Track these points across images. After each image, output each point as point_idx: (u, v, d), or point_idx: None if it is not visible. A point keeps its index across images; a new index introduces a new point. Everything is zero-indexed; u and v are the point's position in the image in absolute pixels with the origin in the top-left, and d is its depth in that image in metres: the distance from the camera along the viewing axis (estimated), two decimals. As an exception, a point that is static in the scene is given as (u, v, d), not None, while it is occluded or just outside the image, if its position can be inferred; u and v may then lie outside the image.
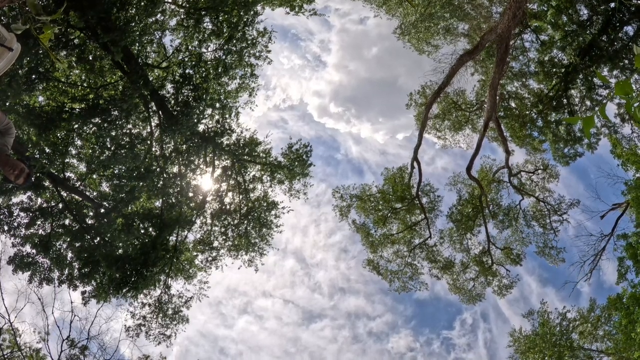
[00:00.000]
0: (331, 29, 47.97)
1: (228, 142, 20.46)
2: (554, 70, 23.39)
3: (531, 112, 24.83)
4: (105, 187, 20.98)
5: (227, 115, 19.97)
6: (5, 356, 22.97)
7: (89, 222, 20.66)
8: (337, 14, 38.44)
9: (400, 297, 27.92)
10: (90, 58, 17.23)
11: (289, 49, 47.66)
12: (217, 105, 19.24)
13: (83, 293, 20.22)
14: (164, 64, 18.90)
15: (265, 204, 21.98)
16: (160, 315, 21.22)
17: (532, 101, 24.77)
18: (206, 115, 19.29)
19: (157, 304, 21.13)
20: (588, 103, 23.32)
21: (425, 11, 23.75)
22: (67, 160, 19.40)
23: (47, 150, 17.99)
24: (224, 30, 18.00)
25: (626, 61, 21.12)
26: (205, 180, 21.57)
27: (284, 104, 47.41)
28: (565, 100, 23.45)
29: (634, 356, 17.34)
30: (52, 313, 23.85)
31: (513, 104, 25.59)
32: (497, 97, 22.41)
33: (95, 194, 21.12)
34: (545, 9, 21.75)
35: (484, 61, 24.63)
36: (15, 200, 19.91)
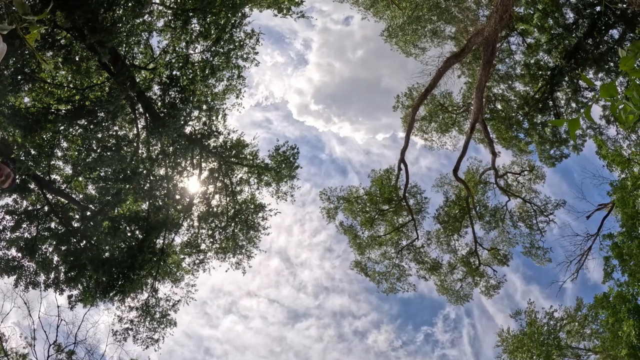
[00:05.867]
0: (314, 28, 48.16)
1: (215, 144, 20.40)
2: (540, 72, 23.58)
3: (517, 114, 25.01)
4: (91, 189, 20.83)
5: (214, 117, 19.92)
6: (-9, 361, 22.73)
7: (75, 225, 20.50)
8: (320, 13, 38.59)
9: (386, 296, 27.96)
10: (77, 59, 17.10)
11: (272, 46, 47.82)
12: (204, 107, 19.18)
13: (69, 297, 20.05)
14: (151, 66, 18.81)
15: (252, 206, 21.94)
16: (148, 318, 21.08)
17: (518, 103, 24.96)
18: (193, 117, 19.23)
19: (144, 308, 20.98)
20: (574, 105, 23.55)
21: (412, 14, 23.86)
22: (52, 162, 19.24)
23: (33, 152, 17.82)
24: (212, 32, 17.95)
25: (611, 64, 21.36)
26: (192, 183, 21.50)
27: (266, 102, 47.45)
28: (551, 103, 23.66)
29: (621, 354, 17.51)
30: (39, 317, 23.64)
31: (499, 106, 25.78)
32: (484, 99, 22.55)
33: (81, 196, 20.96)
34: (532, 12, 21.93)
35: (471, 64, 24.78)
36: (-1, 203, 19.73)
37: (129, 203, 20.65)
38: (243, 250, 21.83)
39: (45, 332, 23.27)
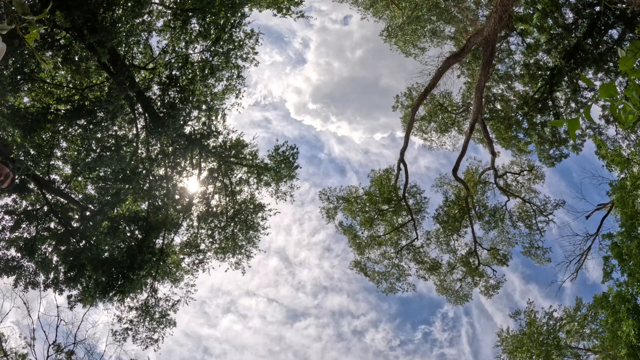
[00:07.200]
0: (312, 28, 48.24)
1: (214, 144, 20.39)
2: (540, 72, 23.60)
3: (517, 114, 25.03)
4: (90, 189, 20.82)
5: (213, 117, 19.90)
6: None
7: (75, 225, 20.48)
8: (318, 12, 38.66)
9: (384, 295, 28.03)
10: (76, 59, 17.09)
11: (270, 45, 47.96)
12: (204, 107, 19.17)
13: (69, 297, 20.03)
14: (151, 65, 18.80)
15: (251, 206, 21.92)
16: (147, 318, 21.07)
17: (517, 103, 24.97)
18: (192, 117, 19.21)
19: (143, 308, 20.98)
20: (573, 105, 23.55)
21: (412, 14, 23.85)
22: (52, 162, 19.22)
23: (32, 152, 17.81)
24: (211, 32, 17.94)
25: (611, 64, 21.37)
26: (192, 183, 21.49)
27: (264, 100, 47.51)
28: (550, 103, 23.67)
29: (620, 354, 17.51)
30: (38, 317, 23.65)
31: (499, 106, 25.79)
32: (483, 99, 22.55)
33: (80, 196, 20.94)
34: (531, 12, 21.94)
35: (470, 64, 24.79)
36: (-1, 203, 19.71)
37: (128, 203, 20.64)
38: (242, 250, 21.82)
39: (44, 332, 23.30)
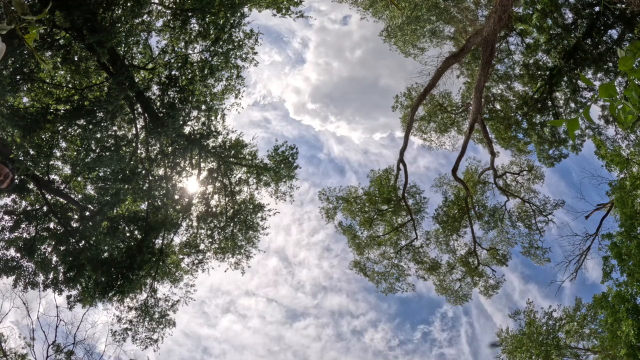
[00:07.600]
0: (312, 28, 48.27)
1: (214, 144, 20.39)
2: (539, 72, 23.60)
3: (516, 114, 25.03)
4: (90, 189, 20.80)
5: (212, 117, 19.90)
6: (-10, 361, 22.69)
7: (74, 225, 20.47)
8: (318, 12, 38.64)
9: (384, 295, 28.03)
10: (76, 59, 17.08)
11: (269, 45, 48.00)
12: (203, 107, 19.16)
13: (68, 297, 20.02)
14: (150, 66, 18.79)
15: (251, 206, 21.92)
16: (147, 319, 21.06)
17: (517, 103, 24.98)
18: (192, 117, 19.20)
19: (143, 308, 20.97)
20: (572, 105, 23.55)
21: (411, 14, 23.84)
22: (51, 162, 19.20)
23: (32, 152, 17.79)
24: (211, 32, 17.94)
25: (610, 64, 21.37)
26: (191, 183, 21.48)
27: (264, 100, 47.50)
28: (549, 103, 23.67)
29: (619, 354, 17.52)
30: (38, 318, 23.63)
31: (498, 106, 25.80)
32: (483, 99, 22.55)
33: (80, 196, 20.93)
34: (531, 12, 21.95)
35: (470, 64, 24.79)
36: (-2, 203, 19.70)
37: (128, 203, 20.63)
38: (242, 250, 21.82)
39: (44, 332, 23.27)
